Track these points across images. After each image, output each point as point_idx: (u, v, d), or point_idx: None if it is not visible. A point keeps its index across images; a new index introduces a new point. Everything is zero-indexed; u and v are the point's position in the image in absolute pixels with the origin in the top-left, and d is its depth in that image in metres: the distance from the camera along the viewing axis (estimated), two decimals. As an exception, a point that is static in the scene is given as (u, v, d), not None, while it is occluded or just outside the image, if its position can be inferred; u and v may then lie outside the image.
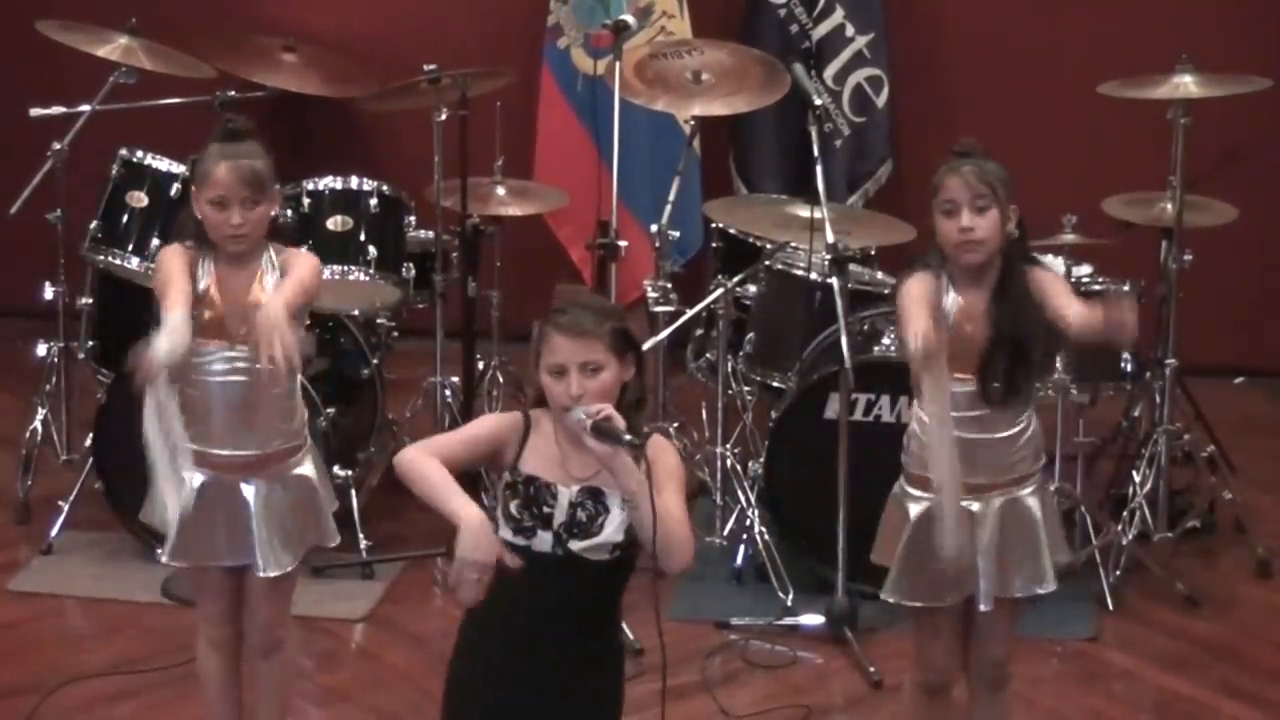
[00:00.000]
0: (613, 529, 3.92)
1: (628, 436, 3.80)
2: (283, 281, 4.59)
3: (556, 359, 3.90)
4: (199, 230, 4.64)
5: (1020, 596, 4.65)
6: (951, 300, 4.53)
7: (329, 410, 6.22)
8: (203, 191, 4.60)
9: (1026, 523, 4.61)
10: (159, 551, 4.82)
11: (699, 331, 6.85)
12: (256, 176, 4.59)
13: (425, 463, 3.92)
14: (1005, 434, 4.56)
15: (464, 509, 3.84)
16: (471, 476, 4.44)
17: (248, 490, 4.67)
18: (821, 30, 7.84)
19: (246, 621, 4.82)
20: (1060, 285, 4.55)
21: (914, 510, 4.61)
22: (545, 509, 3.92)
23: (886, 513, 4.74)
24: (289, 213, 6.46)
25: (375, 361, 6.57)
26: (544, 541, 3.92)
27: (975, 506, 4.56)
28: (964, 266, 4.52)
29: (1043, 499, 4.67)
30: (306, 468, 4.74)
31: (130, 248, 6.45)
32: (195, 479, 4.64)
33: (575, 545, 3.92)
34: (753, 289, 6.51)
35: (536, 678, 3.97)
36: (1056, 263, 6.29)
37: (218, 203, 4.57)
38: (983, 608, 4.60)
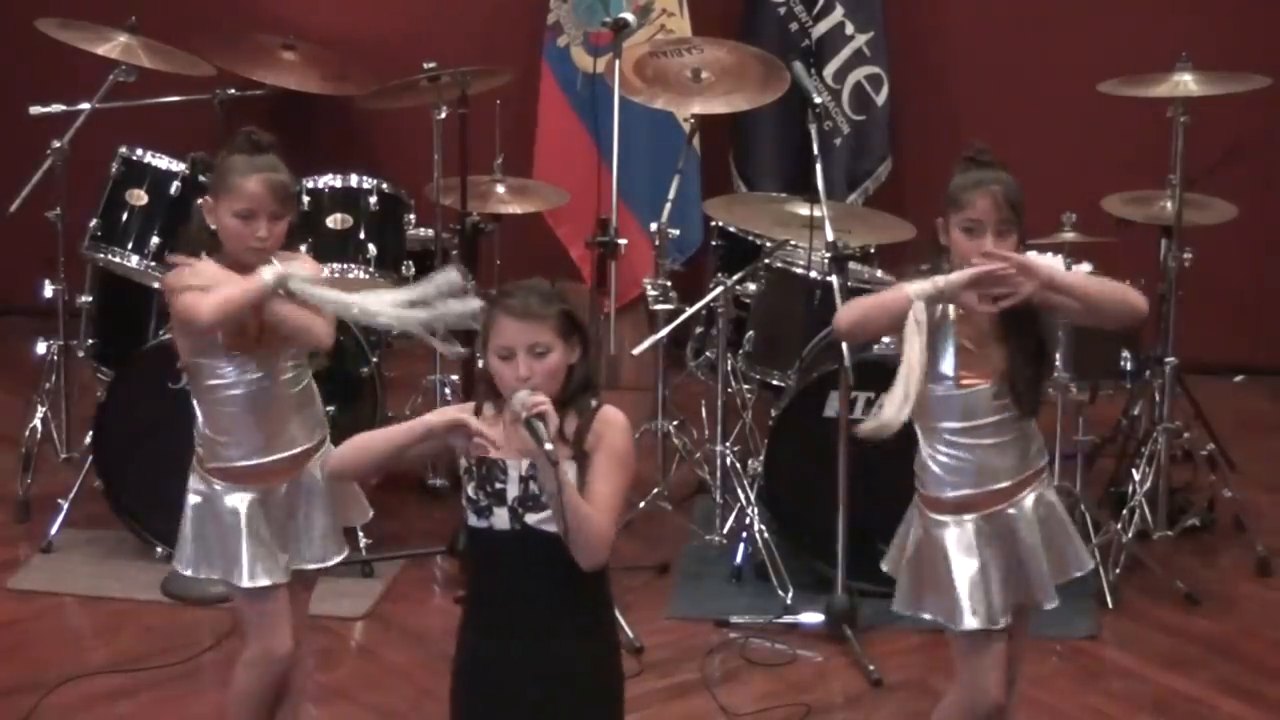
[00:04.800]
0: None
1: (548, 446, 3.79)
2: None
3: (504, 341, 3.95)
4: (210, 242, 4.60)
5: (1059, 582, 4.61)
6: (948, 309, 4.50)
7: (328, 408, 6.18)
8: (227, 202, 4.54)
9: (1056, 514, 4.60)
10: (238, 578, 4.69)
11: (699, 329, 6.86)
12: (286, 190, 4.58)
13: (360, 439, 4.07)
14: (1017, 434, 4.53)
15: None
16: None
17: (288, 492, 4.72)
18: (821, 28, 7.84)
19: None
20: None
21: (945, 536, 4.56)
22: (498, 485, 3.94)
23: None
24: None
25: (374, 359, 6.56)
26: (502, 519, 3.94)
27: (1011, 510, 4.53)
28: None
29: (1054, 495, 4.65)
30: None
31: (130, 246, 6.45)
32: (240, 501, 4.66)
33: (530, 519, 3.93)
34: (752, 287, 6.51)
35: (528, 646, 3.96)
36: (1056, 261, 6.30)
37: (245, 215, 4.53)
38: (1048, 606, 4.58)
